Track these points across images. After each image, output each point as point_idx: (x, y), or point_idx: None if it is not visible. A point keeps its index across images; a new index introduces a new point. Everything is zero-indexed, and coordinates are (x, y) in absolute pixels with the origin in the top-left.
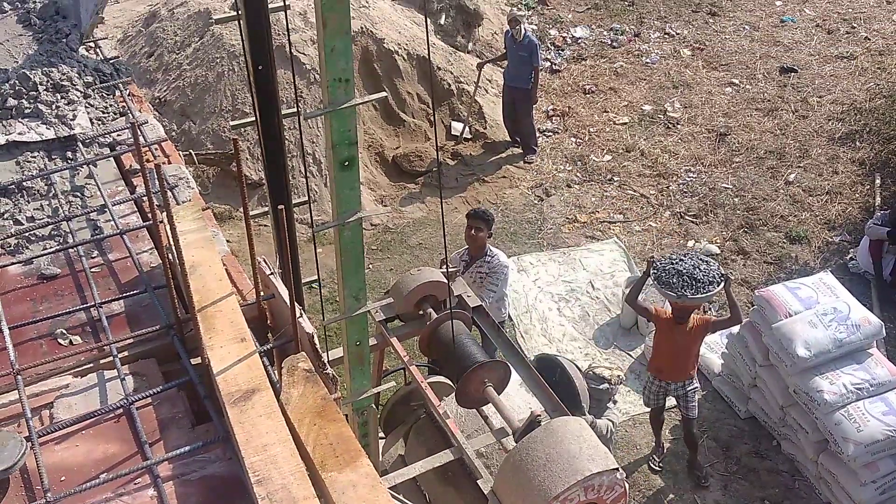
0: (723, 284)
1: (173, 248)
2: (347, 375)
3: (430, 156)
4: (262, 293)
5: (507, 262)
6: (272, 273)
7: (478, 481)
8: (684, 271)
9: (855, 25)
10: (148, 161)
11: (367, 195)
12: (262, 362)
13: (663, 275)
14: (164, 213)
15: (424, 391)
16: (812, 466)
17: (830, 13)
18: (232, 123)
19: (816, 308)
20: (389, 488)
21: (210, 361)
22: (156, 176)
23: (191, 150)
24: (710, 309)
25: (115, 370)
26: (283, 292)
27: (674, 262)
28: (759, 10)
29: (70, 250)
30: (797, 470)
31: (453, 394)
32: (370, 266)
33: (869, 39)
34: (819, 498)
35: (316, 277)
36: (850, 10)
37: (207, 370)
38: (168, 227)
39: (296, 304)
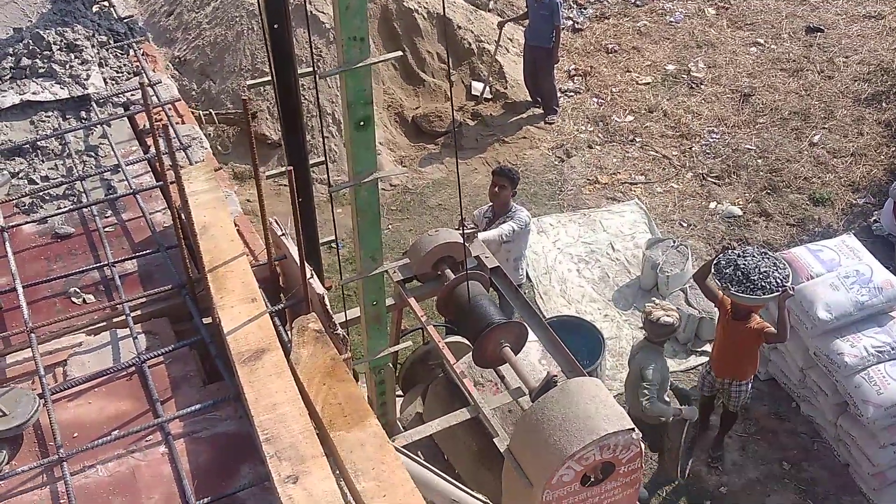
0: (775, 295)
1: (182, 207)
2: (364, 335)
3: (450, 116)
4: (273, 254)
5: (528, 218)
6: (284, 234)
7: (494, 440)
8: (742, 266)
9: None
10: (160, 121)
11: (386, 155)
12: (274, 322)
13: (723, 261)
14: (173, 174)
15: (442, 351)
16: (831, 428)
17: None
18: (248, 83)
19: (838, 270)
20: (405, 446)
21: (221, 321)
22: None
23: (211, 110)
24: None
25: (128, 329)
26: (295, 253)
27: (743, 255)
28: None
29: (84, 210)
30: (816, 432)
31: (470, 354)
32: (389, 227)
33: None
34: (837, 460)
35: (333, 238)
36: None
37: (218, 329)
38: (177, 187)
39: (306, 264)
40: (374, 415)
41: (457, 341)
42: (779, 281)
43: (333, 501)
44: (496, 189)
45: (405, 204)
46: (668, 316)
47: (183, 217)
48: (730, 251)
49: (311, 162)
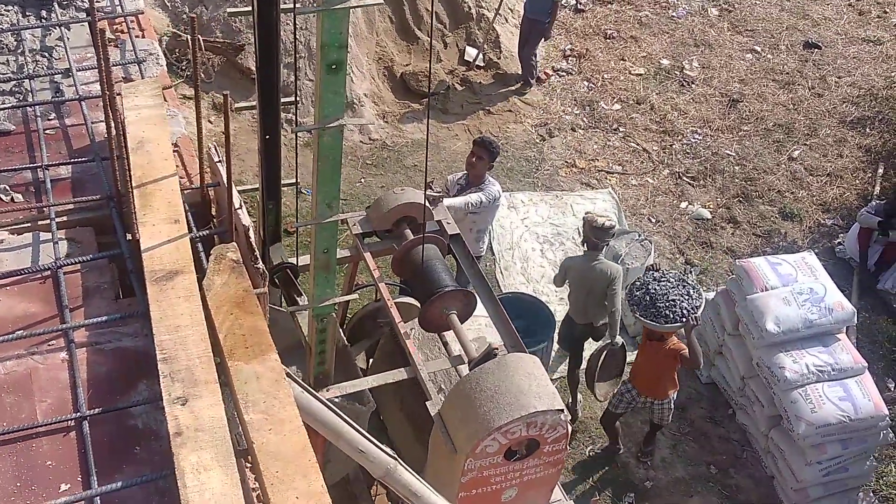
0: (676, 325)
1: (113, 119)
2: (312, 282)
3: (440, 77)
4: (208, 180)
5: (500, 193)
6: (220, 160)
7: (426, 403)
8: (652, 291)
9: (887, 10)
10: (120, 32)
11: (369, 107)
12: (196, 248)
13: (637, 283)
14: (106, 85)
15: (390, 309)
16: (762, 439)
17: None
18: (229, 11)
19: (793, 286)
20: (338, 397)
21: (140, 237)
22: (126, 47)
23: (199, 36)
24: None
25: (51, 233)
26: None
27: (659, 279)
28: None
29: (28, 109)
30: (747, 441)
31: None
32: (362, 180)
33: None
34: (764, 471)
35: (295, 181)
36: None
37: (137, 246)
38: (105, 98)
39: (234, 194)
40: (276, 351)
41: (408, 302)
42: (684, 311)
43: (217, 428)
44: (473, 159)
45: (381, 160)
46: (608, 220)
47: (119, 130)
48: (650, 272)
49: (282, 100)
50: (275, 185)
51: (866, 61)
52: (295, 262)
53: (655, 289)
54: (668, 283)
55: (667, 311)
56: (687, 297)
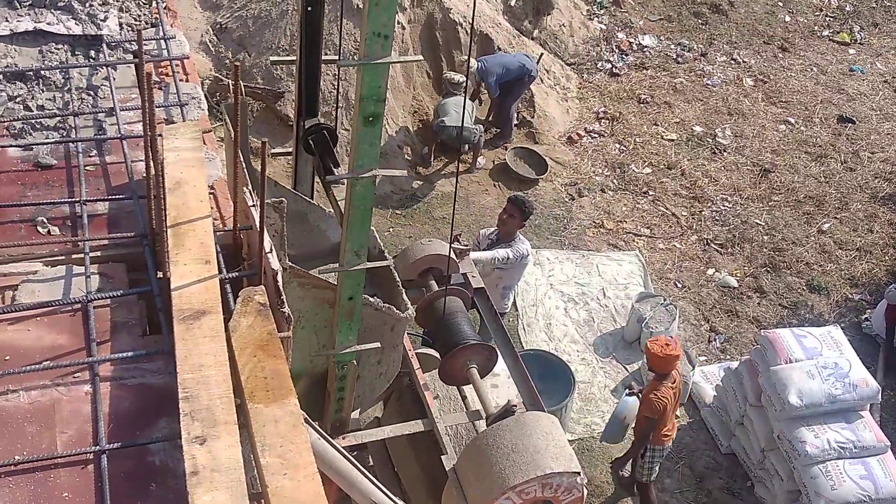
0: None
1: (151, 159)
2: (335, 328)
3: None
4: (240, 223)
5: (528, 252)
6: (254, 205)
7: (442, 457)
8: None
9: None
10: (165, 75)
11: (403, 160)
12: (225, 289)
13: None
14: (148, 126)
15: (410, 360)
16: None
17: None
18: (272, 59)
19: (818, 360)
20: (353, 446)
21: (171, 276)
22: (170, 90)
23: (240, 82)
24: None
25: (84, 267)
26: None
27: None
28: (831, 54)
29: (71, 144)
30: None
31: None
32: (390, 229)
33: None
34: None
35: None
36: None
37: (167, 284)
38: (147, 139)
39: (265, 238)
40: (296, 395)
41: (429, 354)
42: None
43: (233, 469)
44: (505, 216)
45: (411, 211)
46: (458, 76)
47: (157, 171)
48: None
49: None
50: None
51: None
52: (333, 126)
53: None
54: None
55: None
56: None
